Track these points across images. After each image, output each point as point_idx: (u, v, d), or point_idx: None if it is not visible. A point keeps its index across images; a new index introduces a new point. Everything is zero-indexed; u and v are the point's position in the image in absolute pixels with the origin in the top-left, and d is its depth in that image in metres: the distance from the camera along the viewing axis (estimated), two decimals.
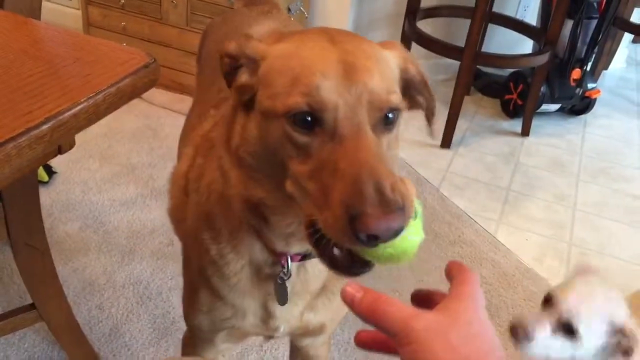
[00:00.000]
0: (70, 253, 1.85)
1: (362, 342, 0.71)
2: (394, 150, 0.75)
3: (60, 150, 0.71)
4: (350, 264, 0.69)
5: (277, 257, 0.87)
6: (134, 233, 1.96)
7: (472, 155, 2.65)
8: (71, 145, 0.71)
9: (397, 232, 0.62)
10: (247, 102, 0.75)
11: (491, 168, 2.58)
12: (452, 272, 0.66)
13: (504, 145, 2.76)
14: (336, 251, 0.69)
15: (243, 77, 0.75)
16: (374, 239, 0.61)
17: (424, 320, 0.57)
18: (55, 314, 1.40)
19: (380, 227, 0.61)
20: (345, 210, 0.62)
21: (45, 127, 0.60)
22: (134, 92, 0.71)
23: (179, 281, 1.13)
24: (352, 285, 0.63)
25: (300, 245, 0.84)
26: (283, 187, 0.71)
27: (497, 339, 0.58)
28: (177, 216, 1.08)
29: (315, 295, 0.97)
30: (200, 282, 0.98)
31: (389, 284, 1.84)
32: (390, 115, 0.71)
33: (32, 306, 1.36)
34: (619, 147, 2.89)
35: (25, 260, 1.28)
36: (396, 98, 0.71)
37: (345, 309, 1.05)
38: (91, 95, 0.65)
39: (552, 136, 2.89)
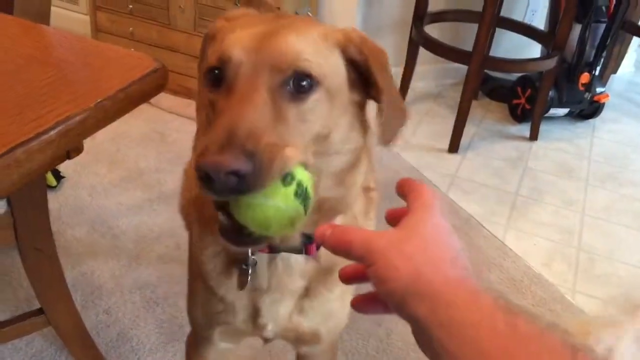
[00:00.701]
0: (78, 257, 1.86)
1: (347, 277, 0.69)
2: (320, 129, 0.72)
3: (69, 156, 0.72)
4: (232, 231, 0.68)
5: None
6: (142, 237, 1.96)
7: (480, 160, 2.64)
8: (80, 150, 0.71)
9: (236, 177, 0.59)
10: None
11: (499, 173, 2.57)
12: (404, 190, 0.64)
13: (512, 150, 2.75)
14: (221, 217, 0.68)
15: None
16: (208, 179, 0.59)
17: (383, 239, 0.57)
18: (63, 318, 1.40)
19: (210, 162, 0.58)
20: (199, 150, 0.61)
21: (54, 132, 0.60)
22: (142, 98, 0.71)
23: (186, 286, 1.13)
24: (324, 225, 0.62)
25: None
26: None
27: (457, 244, 0.58)
28: (186, 213, 1.10)
29: (301, 297, 0.95)
30: (195, 273, 0.99)
31: None
32: (303, 83, 0.69)
33: (40, 311, 1.37)
34: (627, 151, 2.88)
35: (33, 265, 1.28)
36: (310, 66, 0.70)
37: (343, 320, 1.05)
38: (100, 100, 0.65)
39: (561, 141, 2.88)
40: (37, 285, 1.32)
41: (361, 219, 0.94)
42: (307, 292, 0.94)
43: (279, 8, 2.37)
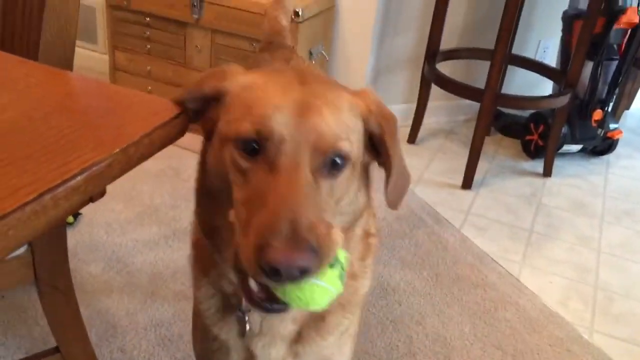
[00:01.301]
0: (94, 295, 1.86)
1: None
2: (340, 198, 0.75)
3: (92, 199, 0.73)
4: (263, 300, 0.70)
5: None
6: (157, 274, 1.97)
7: (493, 196, 2.64)
8: (102, 194, 0.73)
9: (302, 272, 0.61)
10: (209, 134, 0.81)
11: (513, 209, 2.56)
12: None
13: (526, 186, 2.74)
14: (252, 284, 0.70)
15: (210, 109, 0.80)
16: (277, 274, 0.61)
17: None
18: (79, 357, 1.40)
19: (282, 261, 0.60)
20: (256, 239, 0.62)
21: (80, 178, 0.62)
22: (165, 142, 0.73)
23: None
24: None
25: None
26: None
27: None
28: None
29: (294, 342, 0.95)
30: (196, 309, 1.02)
31: (407, 347, 1.82)
32: (337, 160, 0.72)
33: (56, 349, 1.37)
34: None
35: (51, 303, 1.29)
36: (346, 145, 0.72)
37: None
38: (124, 146, 0.67)
39: (575, 177, 2.87)
40: (53, 324, 1.33)
41: (357, 265, 0.95)
42: (299, 338, 0.95)
43: (311, 53, 2.42)
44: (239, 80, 0.77)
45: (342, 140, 0.72)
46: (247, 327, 0.90)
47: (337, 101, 0.75)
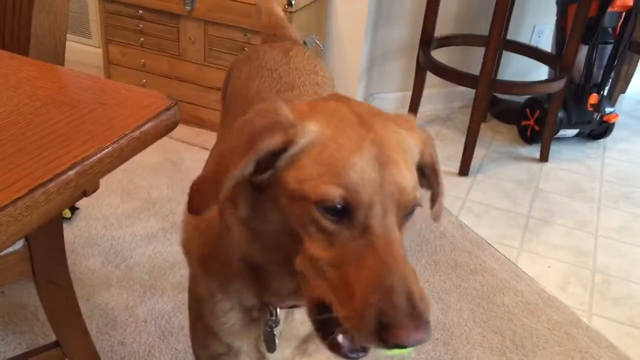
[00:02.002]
0: (93, 289, 1.87)
1: None
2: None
3: (85, 193, 0.73)
4: (351, 351, 0.71)
5: (266, 305, 0.89)
6: (155, 267, 1.98)
7: (490, 182, 2.64)
8: (95, 188, 0.73)
9: (419, 344, 0.63)
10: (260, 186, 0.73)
11: (510, 195, 2.57)
12: None
13: (523, 172, 2.75)
14: (340, 338, 0.71)
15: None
16: (397, 347, 0.63)
17: None
18: (79, 351, 1.41)
19: (411, 340, 0.62)
20: (376, 315, 0.63)
21: (71, 172, 0.62)
22: (156, 135, 0.73)
23: None
24: None
25: (293, 302, 0.86)
26: (289, 260, 0.72)
27: None
28: (187, 248, 1.11)
29: (305, 340, 0.97)
30: (197, 315, 1.01)
31: None
32: (412, 211, 0.73)
33: (56, 344, 1.38)
34: (639, 170, 2.86)
35: (49, 298, 1.29)
36: (419, 195, 0.73)
37: None
38: (116, 139, 0.67)
39: (571, 161, 2.87)
40: (53, 319, 1.33)
41: None
42: (309, 337, 0.96)
43: (305, 43, 2.41)
44: (306, 131, 0.70)
45: (417, 190, 0.73)
46: (277, 341, 0.91)
47: (404, 145, 0.75)
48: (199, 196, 0.72)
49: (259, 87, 1.33)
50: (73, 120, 0.71)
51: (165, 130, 0.74)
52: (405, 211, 0.71)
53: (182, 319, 1.78)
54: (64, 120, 0.70)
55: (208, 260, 0.92)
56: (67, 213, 2.11)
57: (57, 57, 1.03)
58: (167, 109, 0.75)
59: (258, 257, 0.79)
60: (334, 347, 0.72)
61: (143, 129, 0.70)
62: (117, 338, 1.71)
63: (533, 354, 1.77)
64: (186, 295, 1.87)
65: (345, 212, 0.67)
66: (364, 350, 0.71)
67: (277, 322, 0.89)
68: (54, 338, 1.39)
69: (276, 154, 0.70)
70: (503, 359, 1.74)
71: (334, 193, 0.67)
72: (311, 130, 0.70)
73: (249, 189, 0.73)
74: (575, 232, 2.37)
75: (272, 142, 0.68)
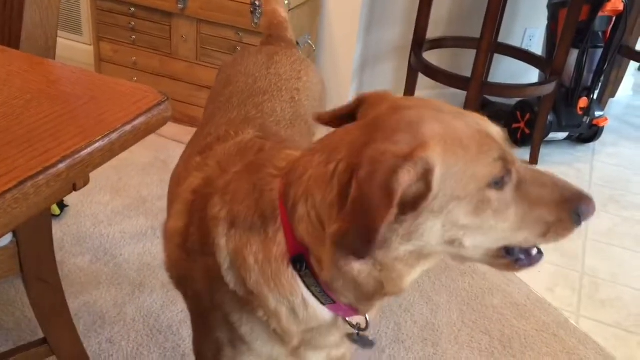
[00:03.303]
0: (81, 286, 1.86)
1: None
2: None
3: (75, 188, 0.73)
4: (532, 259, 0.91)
5: (349, 316, 0.91)
6: (145, 265, 1.97)
7: None
8: (85, 182, 0.72)
9: None
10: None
11: None
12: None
13: None
14: (534, 251, 0.90)
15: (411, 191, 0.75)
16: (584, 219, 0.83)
17: None
18: (66, 348, 1.40)
19: (595, 209, 0.84)
20: (572, 212, 0.82)
21: (61, 165, 0.61)
22: (147, 130, 0.73)
23: (189, 314, 1.14)
24: None
25: (377, 308, 0.93)
26: (449, 247, 0.82)
27: None
28: (177, 273, 1.08)
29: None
30: (225, 340, 0.98)
31: (395, 334, 1.83)
32: None
33: (43, 341, 1.37)
34: (628, 174, 2.89)
35: (37, 295, 1.28)
36: None
37: None
38: (106, 133, 0.67)
39: (561, 164, 2.89)
40: (40, 316, 1.32)
41: None
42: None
43: (298, 43, 2.41)
44: (433, 145, 0.75)
45: None
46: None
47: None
48: (354, 250, 0.76)
49: (232, 91, 1.33)
50: (64, 113, 0.70)
51: (157, 125, 0.74)
52: None
53: (171, 318, 1.77)
54: (54, 114, 0.70)
55: (260, 290, 0.89)
56: (56, 210, 2.09)
57: (48, 51, 1.03)
58: (159, 104, 0.74)
59: (380, 283, 0.84)
60: (517, 261, 0.88)
61: (134, 123, 0.70)
62: (105, 336, 1.70)
63: (521, 354, 1.77)
64: (176, 293, 1.86)
65: (506, 178, 0.79)
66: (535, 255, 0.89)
67: (367, 326, 0.93)
68: (41, 335, 1.38)
69: (415, 186, 0.74)
70: (491, 359, 1.75)
71: (498, 166, 0.77)
72: (435, 142, 0.75)
73: (406, 221, 0.78)
74: None
75: (407, 179, 0.72)
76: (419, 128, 0.76)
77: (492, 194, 0.78)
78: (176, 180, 1.20)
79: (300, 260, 0.84)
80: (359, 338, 0.94)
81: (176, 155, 2.56)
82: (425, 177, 0.73)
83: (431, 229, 0.78)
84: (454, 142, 0.76)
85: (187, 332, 1.72)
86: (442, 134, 0.76)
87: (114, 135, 0.68)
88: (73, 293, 1.82)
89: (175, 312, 1.79)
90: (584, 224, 0.83)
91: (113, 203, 2.25)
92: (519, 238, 0.83)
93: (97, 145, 0.66)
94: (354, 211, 0.73)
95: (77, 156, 0.63)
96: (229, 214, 0.91)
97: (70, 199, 2.19)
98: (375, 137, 0.76)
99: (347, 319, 0.91)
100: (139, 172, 2.44)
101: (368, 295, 0.85)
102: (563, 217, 0.81)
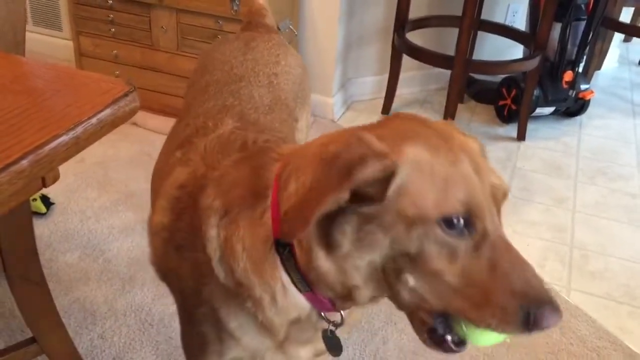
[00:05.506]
0: (71, 283, 1.85)
1: None
2: None
3: (44, 183, 0.72)
4: (454, 348, 0.79)
5: (325, 311, 0.89)
6: (134, 260, 1.96)
7: None
8: (55, 177, 0.72)
9: None
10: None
11: None
12: None
13: (500, 151, 2.76)
14: (449, 338, 0.78)
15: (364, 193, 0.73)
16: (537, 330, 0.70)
17: None
18: (56, 346, 1.39)
19: (555, 323, 0.70)
20: (521, 307, 0.70)
21: (24, 162, 0.60)
22: (115, 122, 0.72)
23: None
24: None
25: (360, 304, 0.88)
26: (395, 279, 0.76)
27: None
28: (163, 267, 1.07)
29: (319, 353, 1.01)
30: (211, 334, 0.97)
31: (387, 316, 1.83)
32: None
33: (32, 340, 1.36)
34: (615, 146, 2.89)
35: (23, 294, 1.28)
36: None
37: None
38: (71, 127, 0.65)
39: (548, 139, 2.89)
40: (27, 314, 1.32)
41: None
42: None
43: (279, 28, 2.39)
44: (406, 158, 0.73)
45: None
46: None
47: (475, 147, 0.81)
48: (289, 225, 0.75)
49: (208, 80, 1.31)
50: (27, 108, 0.69)
51: (124, 117, 0.73)
52: (499, 206, 0.78)
53: (162, 311, 1.77)
54: (18, 109, 0.68)
55: (250, 288, 0.88)
56: (42, 208, 2.08)
57: (18, 46, 1.01)
58: (126, 95, 0.73)
59: (353, 282, 0.81)
60: (439, 344, 0.79)
61: (99, 116, 0.68)
62: (96, 332, 1.70)
63: None
64: (165, 287, 1.85)
65: (465, 223, 0.72)
66: (464, 344, 0.79)
67: (341, 323, 0.91)
68: (31, 334, 1.37)
69: (373, 184, 0.72)
70: None
71: (457, 206, 0.71)
72: (411, 157, 0.73)
73: (354, 223, 0.75)
74: (552, 209, 2.39)
75: (369, 171, 0.70)
76: (407, 141, 0.75)
77: (443, 235, 0.72)
78: (159, 175, 1.18)
79: (284, 244, 0.82)
80: (331, 336, 0.91)
81: (161, 147, 2.55)
82: (386, 180, 0.72)
83: (379, 244, 0.75)
84: (428, 167, 0.73)
85: (178, 325, 1.72)
86: (422, 157, 0.74)
87: (79, 129, 0.66)
88: (63, 290, 1.81)
89: (167, 304, 1.79)
90: (538, 325, 0.70)
91: (100, 199, 2.24)
92: (458, 304, 0.73)
93: (61, 139, 0.64)
94: (309, 187, 0.74)
95: (40, 151, 0.62)
96: (223, 204, 0.89)
97: (56, 197, 2.17)
98: (369, 130, 0.77)
99: (323, 314, 0.89)
100: (125, 167, 2.43)
101: (341, 296, 0.84)
102: (511, 308, 0.70)
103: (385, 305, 1.79)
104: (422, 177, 0.72)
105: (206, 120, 1.15)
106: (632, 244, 2.21)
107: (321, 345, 0.98)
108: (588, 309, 1.88)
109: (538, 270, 0.75)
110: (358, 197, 0.72)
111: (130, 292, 1.83)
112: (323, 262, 0.79)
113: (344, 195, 0.70)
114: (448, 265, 0.72)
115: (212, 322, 0.96)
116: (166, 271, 1.08)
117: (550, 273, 2.03)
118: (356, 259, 0.77)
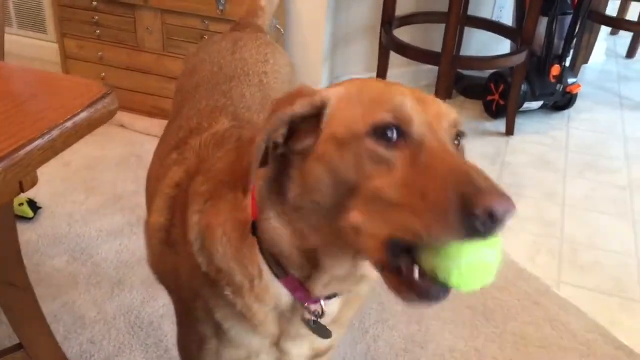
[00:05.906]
0: (59, 288, 1.83)
1: None
2: None
3: (22, 187, 0.71)
4: (429, 288, 0.68)
5: (305, 301, 0.87)
6: (123, 262, 1.95)
7: None
8: (33, 181, 0.71)
9: (509, 217, 0.62)
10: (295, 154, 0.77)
11: None
12: None
13: (489, 146, 2.76)
14: (416, 275, 0.69)
15: (303, 132, 0.76)
16: (492, 221, 0.61)
17: None
18: (43, 352, 1.38)
19: (501, 208, 0.61)
20: (456, 200, 0.61)
21: None
22: (91, 125, 0.71)
23: (170, 308, 1.12)
24: None
25: (337, 288, 0.86)
26: (342, 227, 0.72)
27: None
28: (161, 268, 1.07)
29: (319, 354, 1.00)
30: (208, 331, 0.96)
31: (379, 314, 1.83)
32: (459, 136, 0.78)
33: (19, 346, 1.35)
34: (603, 139, 2.90)
35: (8, 299, 1.26)
36: (461, 126, 0.78)
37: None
38: (45, 131, 0.65)
39: (537, 133, 2.90)
40: (13, 320, 1.30)
41: None
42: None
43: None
44: (333, 91, 0.77)
45: (459, 116, 0.78)
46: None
47: (449, 111, 0.79)
48: (239, 178, 0.77)
49: (197, 81, 1.30)
50: (3, 112, 0.68)
51: (102, 119, 0.72)
52: (454, 129, 0.76)
53: (151, 313, 1.76)
54: None
55: (230, 275, 0.87)
56: (29, 213, 2.06)
57: None
58: (102, 97, 0.72)
59: (312, 242, 0.79)
60: (412, 287, 0.69)
61: (75, 119, 0.68)
62: (86, 336, 1.68)
63: (504, 325, 1.78)
64: (155, 289, 1.85)
65: (399, 135, 0.70)
66: (444, 288, 0.68)
67: (322, 314, 0.89)
68: (18, 340, 1.36)
69: (307, 119, 0.75)
70: (475, 332, 1.76)
71: (385, 116, 0.70)
72: (342, 90, 0.76)
73: (298, 164, 0.76)
74: (542, 203, 2.39)
75: (297, 106, 0.74)
76: (345, 82, 0.79)
77: (375, 146, 0.69)
78: (154, 177, 1.18)
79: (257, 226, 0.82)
80: (314, 326, 0.90)
81: (150, 149, 2.51)
82: (319, 115, 0.75)
83: (321, 179, 0.74)
84: (357, 93, 0.76)
85: (168, 327, 1.71)
86: (353, 87, 0.77)
87: (55, 132, 0.65)
88: (51, 295, 1.79)
89: (156, 307, 1.78)
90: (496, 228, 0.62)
91: (88, 202, 2.22)
92: (402, 220, 0.65)
93: (36, 143, 0.63)
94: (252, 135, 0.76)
95: (14, 156, 0.61)
96: (208, 189, 0.90)
97: (43, 201, 2.15)
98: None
99: (305, 304, 0.88)
100: (113, 169, 2.41)
101: (308, 273, 0.83)
102: (449, 203, 0.62)
103: (376, 303, 1.79)
104: (351, 102, 0.75)
105: (200, 121, 1.15)
106: (621, 237, 2.22)
107: (319, 344, 0.98)
108: (578, 302, 1.88)
109: (528, 265, 0.72)
110: (301, 137, 0.76)
111: (119, 296, 1.82)
112: (275, 221, 0.79)
113: (280, 130, 0.74)
114: (387, 179, 0.68)
115: (207, 319, 0.95)
116: (163, 272, 1.08)
117: (541, 267, 2.03)
118: (306, 206, 0.76)
